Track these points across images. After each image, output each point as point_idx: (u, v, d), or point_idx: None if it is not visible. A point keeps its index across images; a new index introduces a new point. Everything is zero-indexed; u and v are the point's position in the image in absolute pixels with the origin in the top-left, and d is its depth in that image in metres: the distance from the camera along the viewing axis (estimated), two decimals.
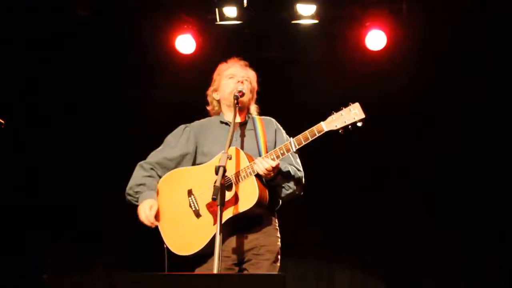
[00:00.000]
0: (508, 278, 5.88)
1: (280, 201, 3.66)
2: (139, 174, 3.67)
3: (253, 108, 3.82)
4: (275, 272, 3.41)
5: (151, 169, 3.68)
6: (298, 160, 3.65)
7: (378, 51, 5.91)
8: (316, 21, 5.78)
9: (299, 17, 5.76)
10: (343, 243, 6.15)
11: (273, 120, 3.79)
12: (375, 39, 5.86)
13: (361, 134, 5.98)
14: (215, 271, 2.94)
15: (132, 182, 3.66)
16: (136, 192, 3.62)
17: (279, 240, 3.59)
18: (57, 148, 6.21)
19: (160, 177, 3.66)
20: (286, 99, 5.88)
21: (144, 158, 3.75)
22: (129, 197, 3.66)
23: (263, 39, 6.10)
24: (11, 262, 5.93)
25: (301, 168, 3.63)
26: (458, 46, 5.92)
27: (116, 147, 6.18)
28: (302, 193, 3.63)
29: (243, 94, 3.60)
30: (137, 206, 3.61)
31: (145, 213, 3.52)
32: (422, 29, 5.89)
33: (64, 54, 6.06)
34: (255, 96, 3.82)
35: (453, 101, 6.03)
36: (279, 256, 3.56)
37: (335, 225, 6.12)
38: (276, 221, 3.63)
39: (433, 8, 5.77)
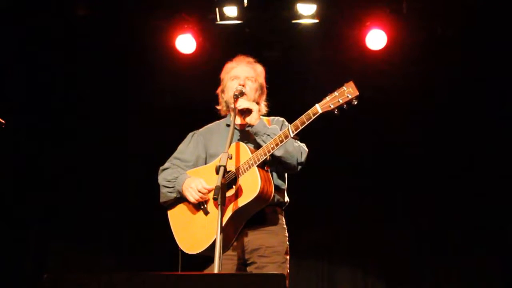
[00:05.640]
0: (508, 278, 5.88)
1: (288, 199, 3.66)
2: (166, 172, 3.71)
3: (262, 106, 3.77)
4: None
5: (174, 165, 3.72)
6: (299, 143, 3.58)
7: (379, 50, 5.91)
8: (316, 21, 5.78)
9: (300, 16, 5.76)
10: (344, 243, 6.15)
11: (282, 119, 3.75)
12: (376, 39, 5.86)
13: (361, 133, 6.07)
14: (215, 271, 2.93)
15: (164, 177, 3.68)
16: (170, 181, 3.62)
17: (287, 239, 3.58)
18: (57, 148, 6.21)
19: None
20: (286, 99, 5.87)
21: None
22: (165, 189, 3.64)
23: (264, 38, 6.10)
24: (11, 262, 5.93)
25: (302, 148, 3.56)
26: (458, 46, 5.92)
27: (115, 147, 6.19)
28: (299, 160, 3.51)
29: (243, 94, 3.58)
30: (171, 199, 3.63)
31: (197, 186, 3.49)
32: (422, 29, 5.89)
33: (64, 54, 6.06)
34: (265, 91, 3.78)
35: (453, 101, 6.03)
36: (287, 256, 3.54)
37: (336, 225, 6.13)
38: (284, 219, 3.62)
39: (434, 8, 5.76)
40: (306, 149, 3.56)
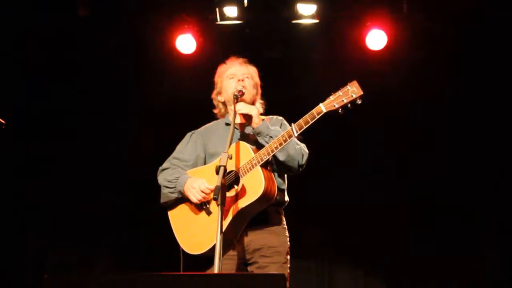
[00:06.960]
0: (508, 278, 5.88)
1: (288, 199, 3.66)
2: (166, 172, 3.70)
3: (258, 105, 3.77)
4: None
5: (173, 165, 3.72)
6: (300, 145, 3.58)
7: (379, 50, 5.91)
8: (316, 21, 5.79)
9: (300, 16, 5.76)
10: (344, 243, 6.15)
11: (280, 118, 3.76)
12: (376, 39, 5.86)
13: (361, 133, 6.06)
14: (215, 271, 2.93)
15: (164, 178, 3.67)
16: (171, 181, 3.61)
17: (288, 239, 3.59)
18: (57, 148, 6.20)
19: None
20: (286, 99, 5.88)
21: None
22: (166, 190, 3.64)
23: (264, 39, 6.09)
24: (11, 262, 5.92)
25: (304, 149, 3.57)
26: (458, 45, 5.92)
27: (115, 147, 6.18)
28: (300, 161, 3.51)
29: (243, 94, 3.59)
30: (172, 199, 3.62)
31: (199, 186, 3.48)
32: (422, 29, 5.89)
33: (64, 54, 6.05)
34: (259, 91, 3.80)
35: (454, 101, 6.02)
36: (288, 256, 3.55)
37: (336, 225, 6.12)
38: (284, 219, 3.62)
39: (434, 7, 5.76)
40: (307, 151, 3.56)
